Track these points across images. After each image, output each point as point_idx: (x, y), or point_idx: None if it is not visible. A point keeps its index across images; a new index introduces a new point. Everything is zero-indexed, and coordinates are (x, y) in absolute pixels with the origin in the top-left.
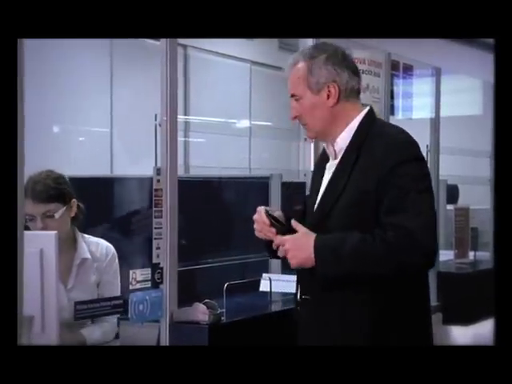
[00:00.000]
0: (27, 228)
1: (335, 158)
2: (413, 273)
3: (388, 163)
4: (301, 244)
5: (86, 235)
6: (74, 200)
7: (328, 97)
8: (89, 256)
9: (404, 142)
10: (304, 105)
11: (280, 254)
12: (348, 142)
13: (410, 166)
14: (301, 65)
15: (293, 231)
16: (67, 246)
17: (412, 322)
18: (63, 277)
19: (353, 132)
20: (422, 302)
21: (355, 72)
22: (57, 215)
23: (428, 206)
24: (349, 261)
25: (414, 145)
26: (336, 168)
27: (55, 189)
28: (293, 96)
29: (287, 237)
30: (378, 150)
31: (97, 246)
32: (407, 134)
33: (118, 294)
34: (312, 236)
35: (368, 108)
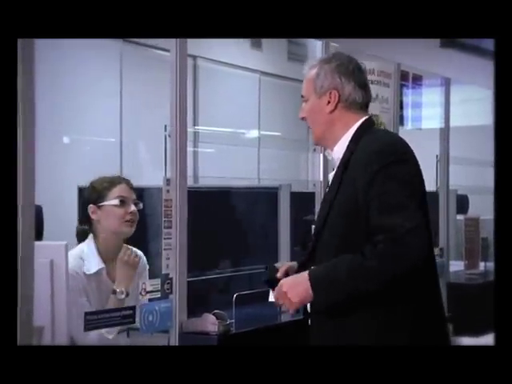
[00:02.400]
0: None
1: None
2: (411, 277)
3: (370, 170)
4: (296, 281)
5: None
6: None
7: (328, 102)
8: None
9: (385, 147)
10: (308, 107)
11: (280, 301)
12: (343, 152)
13: (392, 169)
14: (312, 70)
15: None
16: (119, 249)
17: (425, 332)
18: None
19: (347, 143)
20: (433, 312)
21: (363, 86)
22: (141, 205)
23: (415, 208)
24: (345, 285)
25: (397, 148)
26: (331, 179)
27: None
28: (302, 97)
29: (282, 280)
30: (362, 159)
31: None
32: (392, 139)
33: None
34: (305, 272)
35: (364, 118)
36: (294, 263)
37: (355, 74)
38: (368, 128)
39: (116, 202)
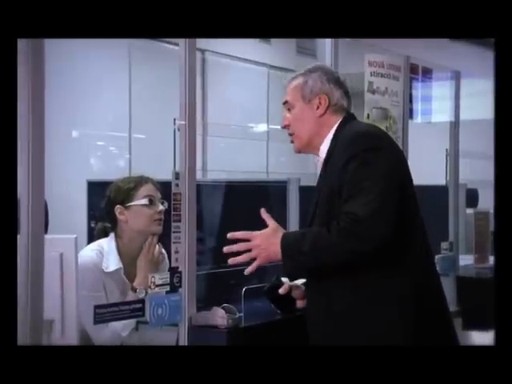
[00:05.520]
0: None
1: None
2: (366, 259)
3: (343, 159)
4: (270, 241)
5: None
6: None
7: (317, 107)
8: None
9: (357, 136)
10: (294, 113)
11: (249, 250)
12: (327, 150)
13: (359, 158)
14: (298, 78)
15: (289, 306)
16: (141, 250)
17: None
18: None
19: (329, 141)
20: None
21: (347, 94)
22: (166, 205)
23: (378, 193)
24: (309, 254)
25: (369, 136)
26: (319, 175)
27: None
28: (285, 104)
29: (256, 233)
30: (338, 151)
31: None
32: (367, 128)
33: None
34: (279, 233)
35: (343, 116)
36: (301, 285)
37: (340, 82)
38: (347, 121)
39: (145, 201)
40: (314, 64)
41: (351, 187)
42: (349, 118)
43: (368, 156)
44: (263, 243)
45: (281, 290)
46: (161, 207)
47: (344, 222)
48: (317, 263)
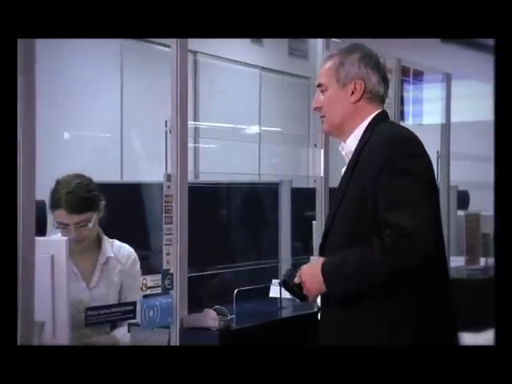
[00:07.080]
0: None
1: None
2: (413, 273)
3: (379, 163)
4: (312, 272)
5: (109, 239)
6: (102, 202)
7: (352, 93)
8: (112, 255)
9: (395, 140)
10: (328, 96)
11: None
12: (355, 145)
13: (401, 163)
14: (335, 58)
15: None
16: (92, 245)
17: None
18: (86, 275)
19: (360, 135)
20: (441, 305)
21: (384, 80)
22: (90, 224)
23: (425, 204)
24: (353, 278)
25: (407, 142)
26: (344, 170)
27: (88, 198)
28: (319, 86)
29: (303, 267)
30: (372, 151)
31: (119, 250)
32: (405, 132)
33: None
34: (320, 261)
35: (379, 110)
36: None
37: (378, 66)
38: (382, 120)
39: (56, 225)
40: (352, 43)
41: (390, 195)
42: (382, 116)
43: (407, 163)
44: (308, 278)
45: (296, 280)
46: (72, 235)
47: (390, 238)
48: (362, 286)
